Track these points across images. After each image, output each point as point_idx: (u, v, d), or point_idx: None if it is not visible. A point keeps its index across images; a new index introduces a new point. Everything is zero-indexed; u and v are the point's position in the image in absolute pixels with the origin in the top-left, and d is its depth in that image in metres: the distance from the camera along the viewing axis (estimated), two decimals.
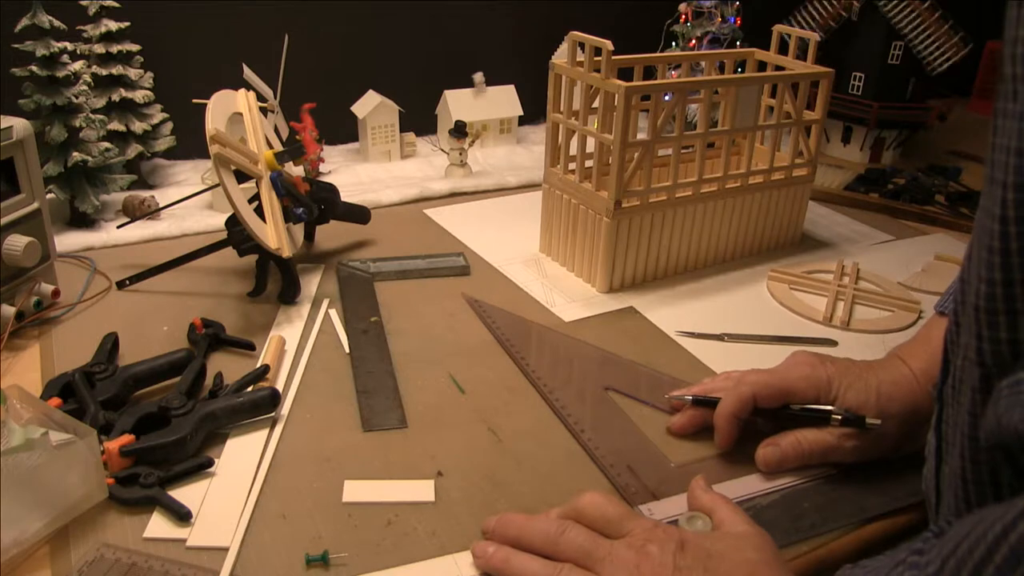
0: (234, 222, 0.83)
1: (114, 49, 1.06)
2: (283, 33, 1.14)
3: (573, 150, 0.91)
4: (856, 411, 0.62)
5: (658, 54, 1.05)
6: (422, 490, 0.60)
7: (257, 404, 0.66)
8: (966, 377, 0.41)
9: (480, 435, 0.67)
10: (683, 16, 1.34)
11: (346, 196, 1.00)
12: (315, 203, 0.90)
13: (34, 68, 0.93)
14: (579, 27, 0.89)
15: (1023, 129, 0.35)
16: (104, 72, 1.06)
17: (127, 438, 0.60)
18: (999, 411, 0.36)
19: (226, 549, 0.54)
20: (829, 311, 0.87)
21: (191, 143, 1.15)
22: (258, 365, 0.71)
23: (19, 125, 0.76)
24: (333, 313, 0.84)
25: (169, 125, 1.15)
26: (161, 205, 1.04)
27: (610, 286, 0.90)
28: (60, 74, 0.94)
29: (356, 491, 0.60)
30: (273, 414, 0.67)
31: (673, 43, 1.36)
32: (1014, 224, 0.35)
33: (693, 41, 1.33)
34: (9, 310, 0.76)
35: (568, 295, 0.89)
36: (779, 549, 0.51)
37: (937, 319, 0.68)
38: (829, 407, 0.63)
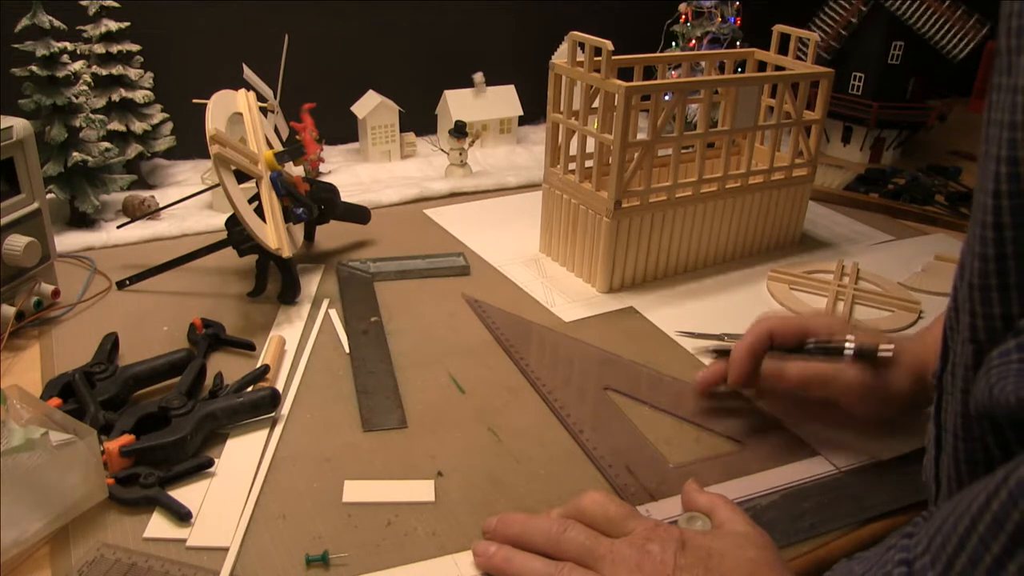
0: (234, 222, 0.83)
1: (114, 49, 1.06)
2: (283, 33, 1.14)
3: (573, 150, 0.91)
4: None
5: (658, 54, 1.05)
6: (422, 490, 0.60)
7: (257, 404, 0.66)
8: (960, 359, 0.41)
9: (480, 435, 0.66)
10: (683, 16, 1.34)
11: (346, 196, 1.00)
12: (315, 203, 0.90)
13: (34, 68, 0.93)
14: (579, 27, 0.89)
15: (1016, 103, 0.34)
16: (104, 72, 1.06)
17: (127, 438, 0.60)
18: (991, 382, 0.35)
19: (226, 549, 0.54)
20: (829, 311, 0.87)
21: (191, 143, 1.15)
22: (258, 365, 0.71)
23: (19, 125, 0.76)
24: (333, 313, 0.84)
25: (169, 125, 1.15)
26: (161, 205, 1.04)
27: (610, 286, 0.90)
28: (60, 74, 0.94)
29: (356, 491, 0.60)
30: (273, 414, 0.67)
31: (673, 43, 1.36)
32: (1007, 198, 0.35)
33: (693, 41, 1.33)
34: (9, 310, 0.76)
35: (568, 295, 0.89)
36: (779, 549, 0.51)
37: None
38: (844, 339, 0.64)
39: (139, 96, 1.09)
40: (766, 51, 1.01)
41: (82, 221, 1.00)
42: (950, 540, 0.34)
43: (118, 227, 0.98)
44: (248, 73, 1.09)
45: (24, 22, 0.93)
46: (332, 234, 1.00)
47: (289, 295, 0.85)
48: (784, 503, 0.60)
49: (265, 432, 0.65)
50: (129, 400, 0.68)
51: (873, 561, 0.40)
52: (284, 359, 0.75)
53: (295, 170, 0.95)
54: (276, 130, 1.08)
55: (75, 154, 0.96)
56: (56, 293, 0.80)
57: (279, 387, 0.71)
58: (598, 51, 0.84)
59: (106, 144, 1.00)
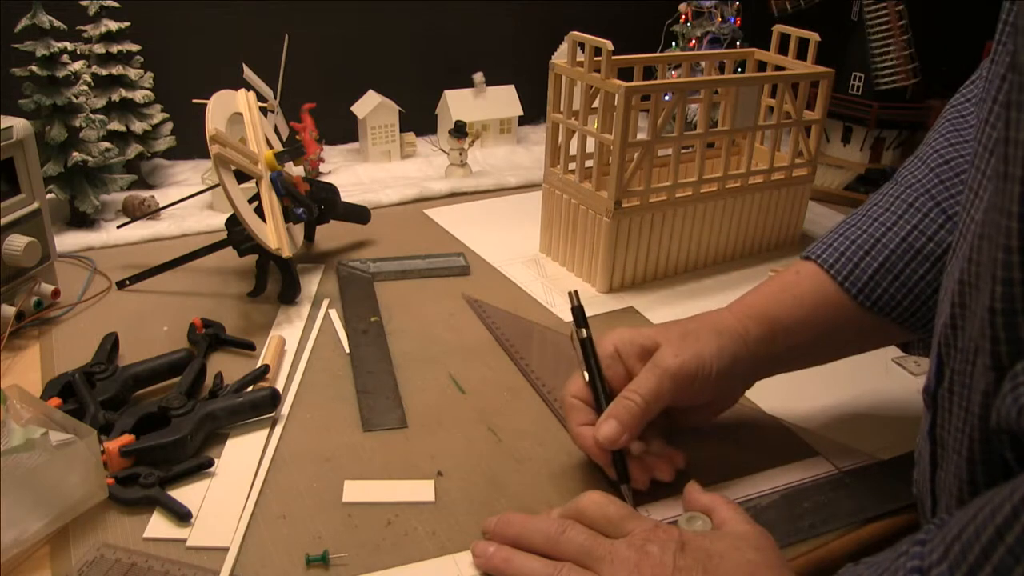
0: (234, 222, 0.83)
1: (114, 49, 1.06)
2: (283, 33, 1.14)
3: (573, 150, 0.91)
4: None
5: (658, 54, 1.06)
6: (422, 490, 0.60)
7: (257, 404, 0.66)
8: (974, 383, 0.39)
9: (480, 435, 0.66)
10: (683, 16, 1.34)
11: (346, 196, 1.00)
12: (315, 203, 0.90)
13: (34, 68, 0.93)
14: (579, 27, 0.89)
15: None
16: (104, 72, 1.06)
17: (127, 438, 0.60)
18: (1021, 402, 0.34)
19: (226, 549, 0.54)
20: None
21: (191, 143, 1.15)
22: (258, 365, 0.71)
23: (19, 125, 0.76)
24: (333, 313, 0.84)
25: (169, 125, 1.15)
26: (161, 205, 1.04)
27: (610, 286, 0.90)
28: (60, 74, 0.94)
29: (356, 491, 0.60)
30: (273, 414, 0.67)
31: (673, 43, 1.36)
32: None
33: (693, 41, 1.33)
34: (9, 310, 0.76)
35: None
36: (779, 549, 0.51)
37: (801, 265, 0.66)
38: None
39: (139, 96, 1.09)
40: (766, 51, 1.01)
41: (82, 221, 1.00)
42: (971, 549, 0.32)
43: (118, 227, 0.98)
44: (248, 73, 1.09)
45: (24, 22, 0.93)
46: (332, 234, 1.00)
47: (289, 295, 0.85)
48: (784, 503, 0.61)
49: (265, 432, 0.65)
50: (129, 400, 0.68)
51: (883, 567, 0.38)
52: (284, 359, 0.75)
53: (295, 170, 0.95)
54: (276, 130, 1.08)
55: (75, 154, 0.96)
56: (56, 293, 0.80)
57: (279, 387, 0.71)
58: (598, 51, 0.84)
59: (106, 144, 1.00)
